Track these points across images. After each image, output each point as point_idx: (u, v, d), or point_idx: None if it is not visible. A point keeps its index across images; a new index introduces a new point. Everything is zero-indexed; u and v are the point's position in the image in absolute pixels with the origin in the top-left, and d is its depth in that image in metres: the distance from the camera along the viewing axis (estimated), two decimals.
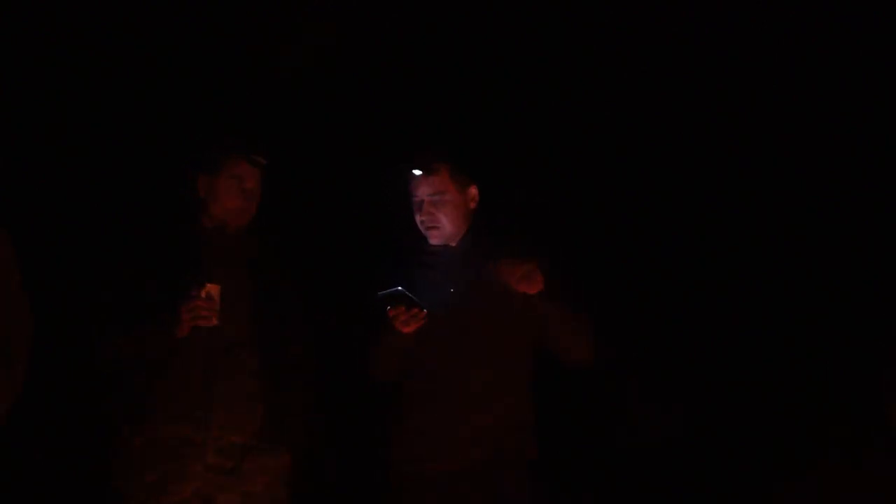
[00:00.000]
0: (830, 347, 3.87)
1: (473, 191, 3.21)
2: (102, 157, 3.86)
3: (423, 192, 3.16)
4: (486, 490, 3.01)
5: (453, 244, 3.20)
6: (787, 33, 3.93)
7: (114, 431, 3.00)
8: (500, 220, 3.29)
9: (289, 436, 3.06)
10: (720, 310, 4.04)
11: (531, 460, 3.10)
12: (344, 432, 3.72)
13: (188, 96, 3.90)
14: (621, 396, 4.09)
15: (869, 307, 3.76)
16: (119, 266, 3.03)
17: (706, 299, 4.05)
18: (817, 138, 3.98)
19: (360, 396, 3.49)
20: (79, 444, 3.58)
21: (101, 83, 3.88)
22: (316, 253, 3.78)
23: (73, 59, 3.85)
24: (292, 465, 3.09)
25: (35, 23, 3.80)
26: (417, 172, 3.16)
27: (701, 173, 4.09)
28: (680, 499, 3.94)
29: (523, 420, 3.12)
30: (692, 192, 4.11)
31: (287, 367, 3.07)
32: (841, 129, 3.95)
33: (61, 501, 3.67)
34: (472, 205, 3.21)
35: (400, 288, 2.89)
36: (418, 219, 3.19)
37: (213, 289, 2.89)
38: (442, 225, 3.16)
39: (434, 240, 3.19)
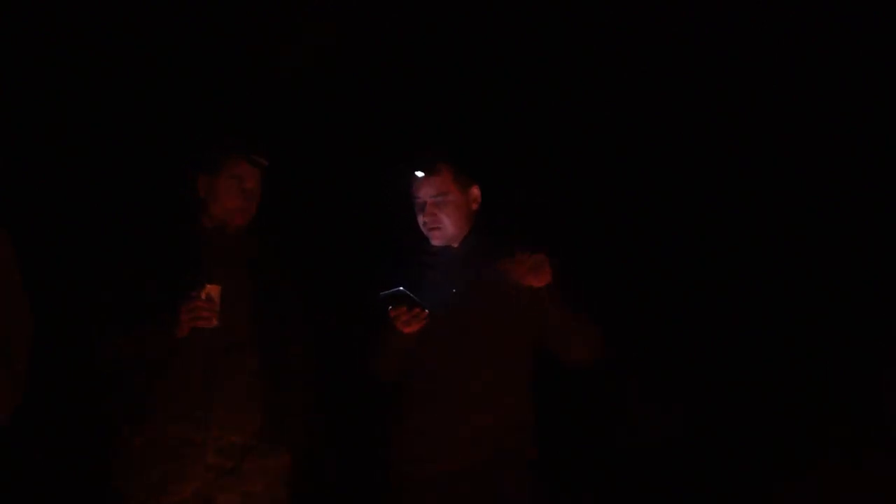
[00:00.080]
0: (830, 347, 3.87)
1: (475, 191, 3.20)
2: (103, 158, 3.85)
3: (425, 194, 3.15)
4: (486, 490, 3.01)
5: (455, 245, 3.20)
6: (787, 33, 3.93)
7: (114, 431, 3.00)
8: (500, 220, 3.29)
9: (289, 436, 3.06)
10: (720, 310, 4.04)
11: (531, 460, 3.10)
12: (344, 432, 3.72)
13: (188, 96, 3.90)
14: (621, 396, 4.09)
15: (869, 307, 3.77)
16: (119, 266, 3.03)
17: (706, 299, 4.05)
18: (817, 138, 3.98)
19: (360, 396, 3.49)
20: (79, 444, 3.57)
21: (101, 83, 3.88)
22: (316, 253, 3.78)
23: (74, 59, 3.84)
24: (292, 465, 3.09)
25: (35, 23, 3.79)
26: (420, 174, 3.15)
27: (701, 173, 4.09)
28: (680, 499, 3.94)
29: (523, 420, 3.11)
30: (692, 192, 4.11)
31: (287, 367, 3.07)
32: (841, 129, 3.95)
33: (61, 501, 3.67)
34: (475, 205, 3.21)
35: (402, 288, 2.89)
36: (421, 220, 3.17)
37: (213, 290, 2.88)
38: (445, 226, 3.15)
39: (437, 241, 3.18)
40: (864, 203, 3.93)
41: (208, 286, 2.88)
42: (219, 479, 2.94)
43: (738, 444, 3.97)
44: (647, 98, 4.09)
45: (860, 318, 3.79)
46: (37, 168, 3.79)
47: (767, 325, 3.99)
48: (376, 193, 3.73)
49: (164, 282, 2.95)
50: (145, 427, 2.95)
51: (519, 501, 3.04)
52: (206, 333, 2.92)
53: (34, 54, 3.81)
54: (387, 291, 2.90)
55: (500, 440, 3.04)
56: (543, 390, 3.18)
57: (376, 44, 4.05)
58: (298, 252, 3.38)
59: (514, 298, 3.05)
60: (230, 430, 2.96)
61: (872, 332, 3.75)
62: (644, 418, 4.05)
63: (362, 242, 3.86)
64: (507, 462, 3.04)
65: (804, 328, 3.92)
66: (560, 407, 3.54)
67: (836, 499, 3.72)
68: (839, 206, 3.96)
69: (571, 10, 3.99)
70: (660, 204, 4.13)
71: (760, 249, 4.05)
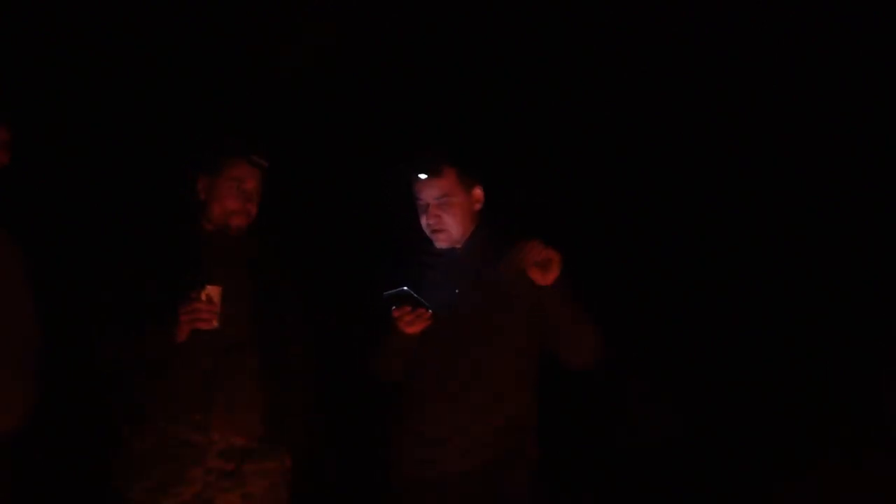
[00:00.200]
0: (830, 347, 3.88)
1: (478, 192, 3.19)
2: (103, 158, 3.86)
3: (428, 196, 3.13)
4: (486, 490, 3.00)
5: (458, 246, 3.18)
6: (788, 33, 3.93)
7: (114, 432, 3.00)
8: (500, 220, 3.28)
9: (289, 436, 3.06)
10: (720, 310, 4.04)
11: (532, 460, 3.10)
12: (344, 432, 3.72)
13: (188, 97, 3.90)
14: (621, 396, 4.09)
15: (869, 307, 3.77)
16: (119, 267, 3.03)
17: (706, 299, 4.06)
18: (817, 138, 3.98)
19: (360, 396, 3.49)
20: (79, 445, 3.58)
21: (101, 83, 3.88)
22: (316, 253, 3.78)
23: (74, 60, 3.84)
24: (292, 465, 3.09)
25: (35, 23, 3.79)
26: (423, 176, 3.13)
27: (701, 173, 4.10)
28: (680, 499, 3.94)
29: (525, 421, 3.10)
30: (692, 192, 4.11)
31: (287, 367, 3.06)
32: (841, 129, 3.95)
33: (61, 501, 3.67)
34: (478, 206, 3.19)
35: (406, 288, 2.88)
36: (424, 222, 3.15)
37: (213, 291, 2.87)
38: (449, 228, 3.13)
39: (441, 243, 3.15)
40: (864, 203, 3.93)
41: (208, 287, 2.87)
42: (219, 480, 2.94)
43: (738, 444, 3.97)
44: (648, 98, 4.09)
45: (860, 318, 3.79)
46: (37, 169, 3.79)
47: (767, 326, 3.99)
48: (377, 194, 3.72)
49: (164, 283, 2.95)
50: (145, 427, 2.95)
51: (519, 501, 3.03)
52: (206, 334, 2.91)
53: (34, 54, 3.81)
54: (391, 291, 2.89)
55: (502, 441, 3.03)
56: (543, 390, 3.18)
57: (377, 44, 4.05)
58: (298, 252, 3.38)
59: (513, 289, 3.02)
60: (230, 432, 2.96)
61: (872, 332, 3.75)
62: (644, 418, 4.05)
63: (363, 243, 3.86)
64: (508, 462, 3.04)
65: (804, 328, 3.92)
66: (560, 407, 3.54)
67: (836, 499, 3.72)
68: (839, 207, 3.96)
69: (571, 10, 3.99)
70: (660, 204, 4.14)
71: (760, 250, 4.05)
